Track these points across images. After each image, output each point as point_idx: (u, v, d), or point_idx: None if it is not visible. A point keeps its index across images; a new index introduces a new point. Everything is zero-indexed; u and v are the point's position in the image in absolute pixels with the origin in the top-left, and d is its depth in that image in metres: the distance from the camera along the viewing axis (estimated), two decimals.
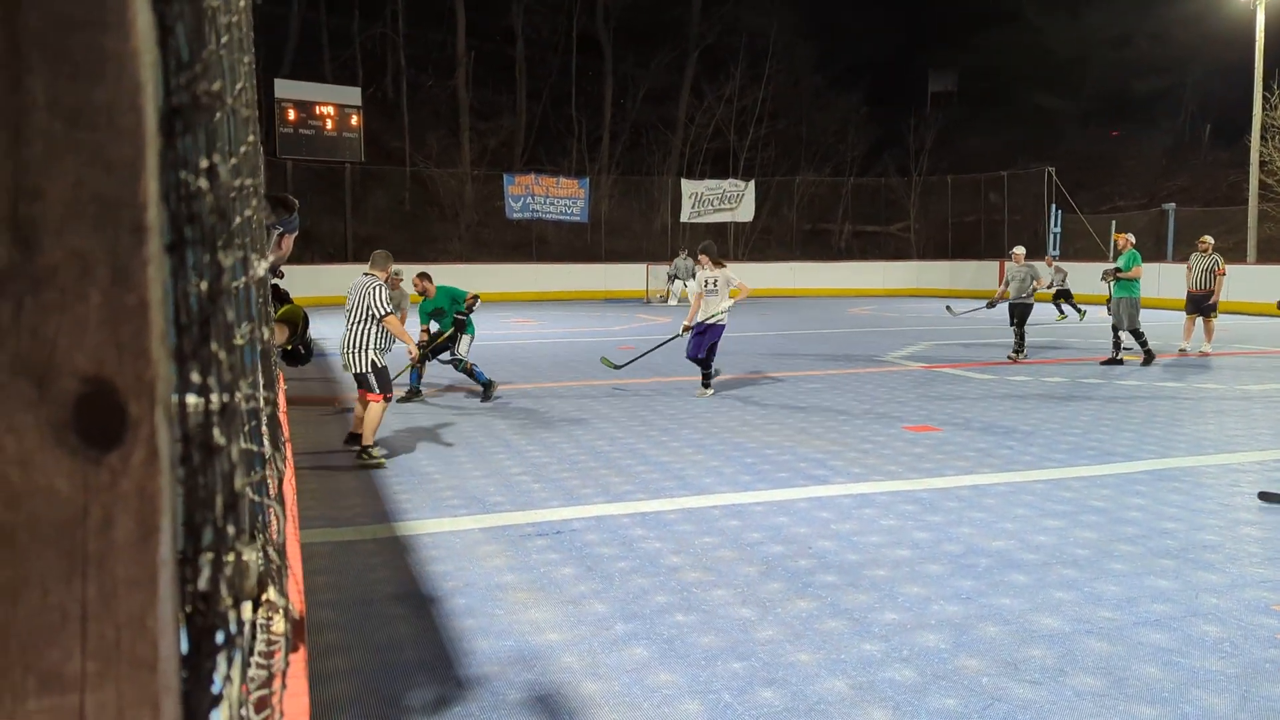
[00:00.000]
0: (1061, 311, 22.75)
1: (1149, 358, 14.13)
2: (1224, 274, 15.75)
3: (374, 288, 8.20)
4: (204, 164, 0.49)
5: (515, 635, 4.44)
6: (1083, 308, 22.22)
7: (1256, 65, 26.26)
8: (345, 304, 8.36)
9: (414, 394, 11.22)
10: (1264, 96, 26.93)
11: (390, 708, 3.79)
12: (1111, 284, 14.27)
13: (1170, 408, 10.46)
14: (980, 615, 4.66)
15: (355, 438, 8.45)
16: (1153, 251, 31.55)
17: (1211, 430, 9.19)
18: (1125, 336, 14.53)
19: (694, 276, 31.07)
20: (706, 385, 11.47)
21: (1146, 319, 22.18)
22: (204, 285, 0.49)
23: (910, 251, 40.61)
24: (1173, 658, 4.18)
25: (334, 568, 5.41)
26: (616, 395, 11.39)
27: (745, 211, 37.41)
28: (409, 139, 37.35)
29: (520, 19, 40.00)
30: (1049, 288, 22.37)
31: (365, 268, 8.57)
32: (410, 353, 9.00)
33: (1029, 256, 16.04)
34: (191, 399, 0.50)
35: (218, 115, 0.49)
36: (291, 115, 29.96)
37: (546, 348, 16.65)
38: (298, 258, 30.16)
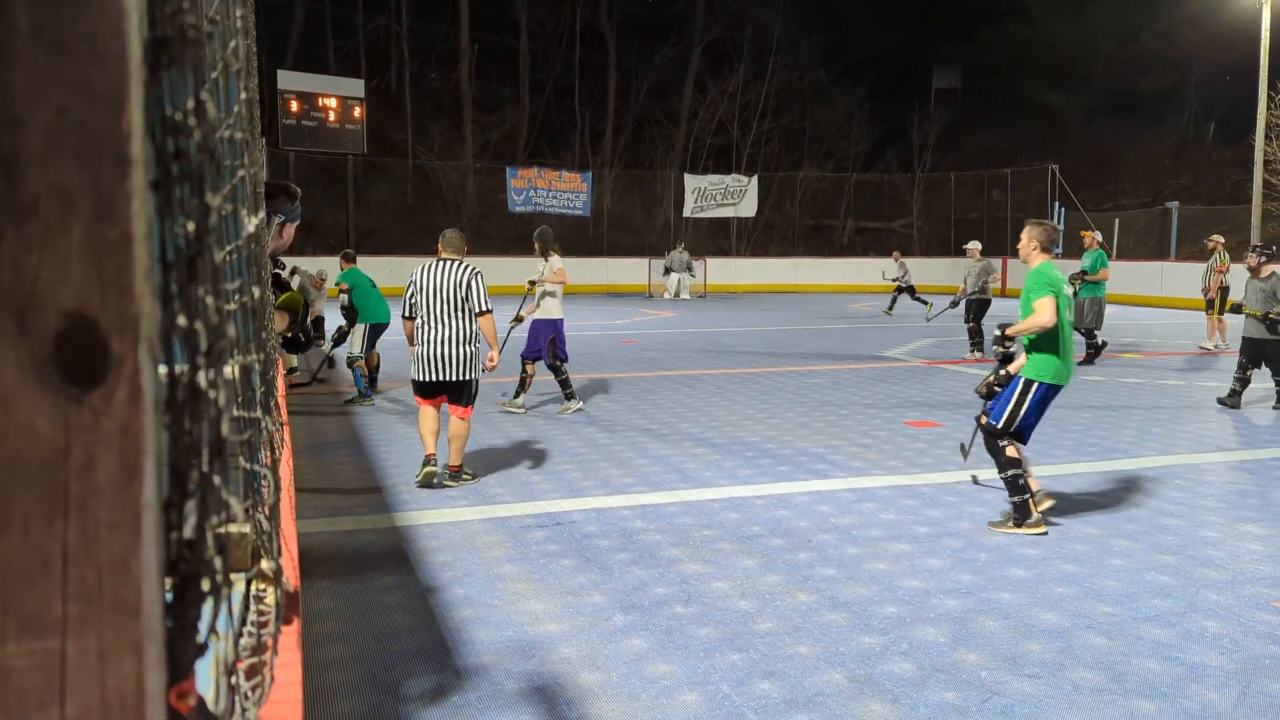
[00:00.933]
0: (924, 301, 22.38)
1: (1092, 357, 13.83)
2: (1222, 271, 16.19)
3: (475, 275, 6.78)
4: (190, 101, 0.48)
5: (514, 625, 4.44)
6: (928, 299, 21.65)
7: (1262, 64, 26.18)
8: (412, 292, 6.77)
9: (362, 397, 10.28)
10: (1269, 95, 26.85)
11: (388, 696, 3.79)
12: (1079, 286, 13.70)
13: (1172, 405, 10.45)
14: (980, 609, 4.65)
15: (426, 460, 6.82)
16: (1155, 250, 31.54)
17: (1213, 428, 9.18)
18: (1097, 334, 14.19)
19: (689, 270, 31.08)
20: (569, 397, 9.73)
21: (1150, 317, 22.19)
22: (190, 225, 0.48)
23: (913, 248, 40.52)
24: (1172, 653, 4.17)
25: (334, 557, 5.41)
26: (618, 388, 11.38)
27: (748, 207, 37.37)
28: (412, 131, 37.32)
29: (524, 12, 39.95)
30: (893, 280, 23.28)
31: (439, 252, 6.94)
32: (491, 360, 6.99)
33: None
34: (177, 341, 0.49)
35: (206, 51, 0.48)
36: (294, 107, 29.92)
37: None
38: (299, 249, 30.15)
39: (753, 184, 37.41)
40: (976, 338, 14.55)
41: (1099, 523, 6.06)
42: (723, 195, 37.24)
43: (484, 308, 6.80)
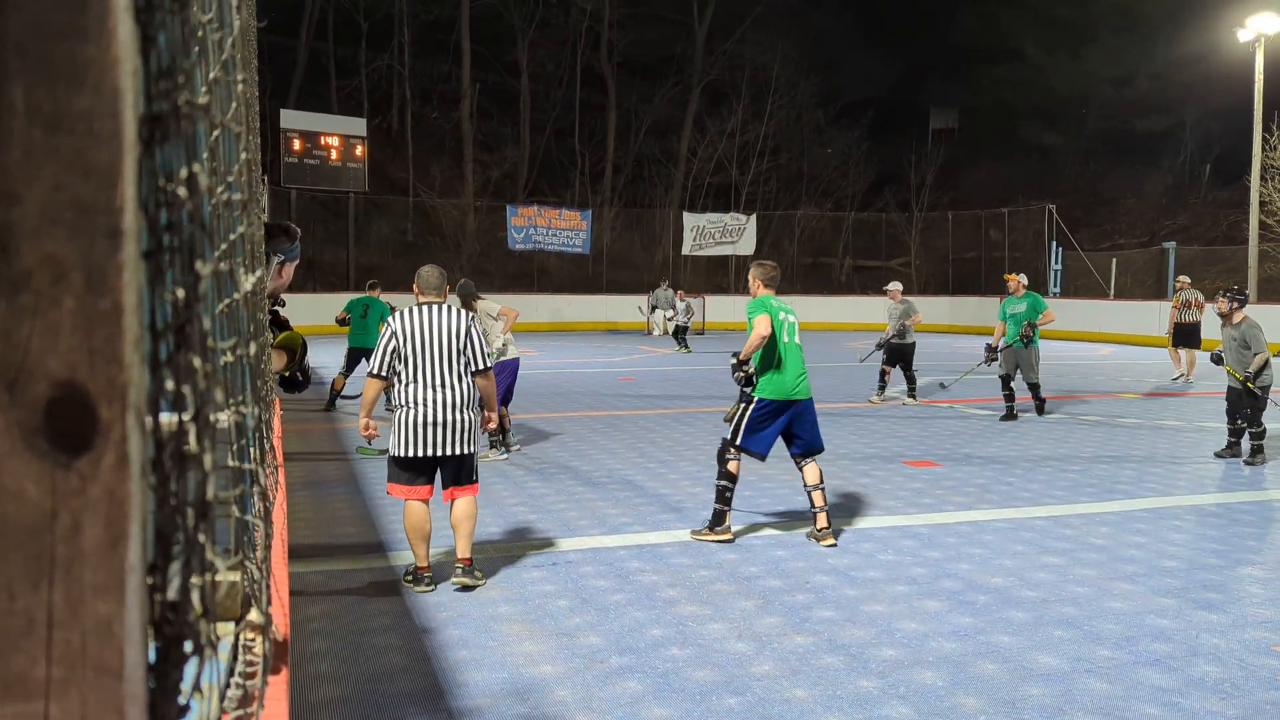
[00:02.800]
0: (683, 345, 23.40)
1: (1041, 407, 12.49)
2: (1179, 308, 17.35)
3: (474, 323, 5.67)
4: (184, 173, 0.49)
5: (509, 667, 4.41)
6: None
7: (1256, 106, 26.44)
8: (393, 345, 5.48)
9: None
10: (1264, 137, 27.08)
11: None
12: (1033, 334, 12.23)
13: (1171, 445, 10.44)
14: (978, 652, 4.62)
15: (419, 574, 5.55)
16: (1153, 290, 31.63)
17: (1212, 469, 9.16)
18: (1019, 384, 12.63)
19: (674, 307, 31.25)
20: (498, 443, 9.28)
21: (1148, 357, 22.22)
22: (180, 293, 0.49)
23: (911, 287, 40.64)
24: (1172, 698, 4.14)
25: (328, 597, 5.38)
26: (615, 426, 11.37)
27: (746, 245, 37.54)
28: (413, 169, 37.58)
29: (525, 53, 40.38)
30: (671, 320, 23.82)
31: (416, 295, 5.75)
32: (490, 421, 5.87)
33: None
34: (165, 406, 0.49)
35: (200, 125, 0.49)
36: (297, 145, 30.17)
37: (546, 378, 16.64)
38: (300, 286, 30.27)
39: (751, 222, 37.62)
40: (884, 380, 14.13)
41: (1098, 564, 6.04)
42: (721, 233, 37.44)
43: (485, 364, 5.61)
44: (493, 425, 5.95)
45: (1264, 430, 9.40)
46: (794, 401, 6.53)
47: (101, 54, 0.44)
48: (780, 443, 6.73)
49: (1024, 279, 12.95)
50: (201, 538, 0.50)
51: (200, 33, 0.53)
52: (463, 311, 5.65)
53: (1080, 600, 5.38)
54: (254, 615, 0.85)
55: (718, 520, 6.50)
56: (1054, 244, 33.75)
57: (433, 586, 5.47)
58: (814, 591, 5.50)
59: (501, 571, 5.82)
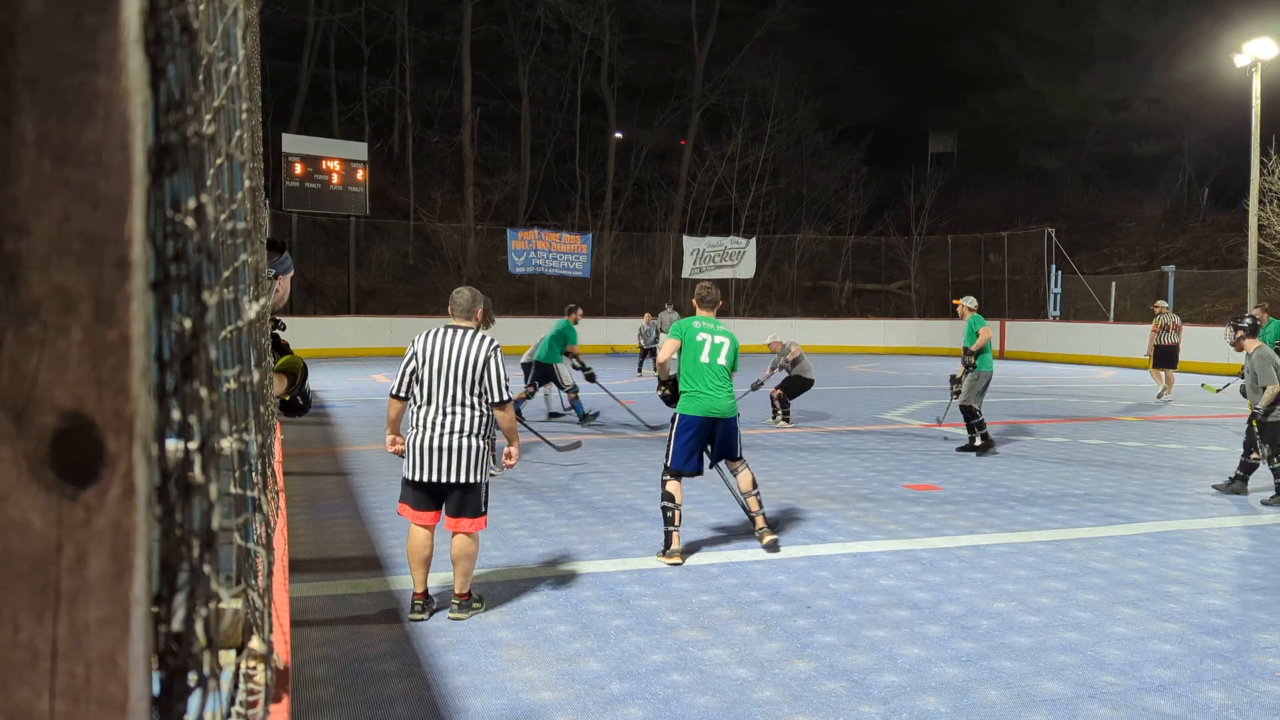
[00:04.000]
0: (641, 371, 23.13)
1: (984, 442, 11.34)
2: (1157, 330, 18.44)
3: (494, 351, 5.43)
4: (192, 203, 0.49)
5: (508, 693, 4.38)
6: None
7: (1253, 130, 26.56)
8: (412, 366, 5.44)
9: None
10: (1261, 161, 27.19)
11: None
12: (972, 362, 11.60)
13: (1173, 469, 10.42)
14: (981, 678, 4.60)
15: (424, 599, 5.46)
16: (1151, 313, 31.63)
17: (1214, 493, 9.14)
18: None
19: (639, 331, 31.28)
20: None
21: (1149, 380, 22.21)
22: (187, 323, 0.49)
23: (910, 310, 40.75)
24: None
25: (327, 621, 5.36)
26: (614, 449, 11.35)
27: (746, 268, 37.64)
28: (414, 193, 37.73)
29: (526, 78, 40.63)
30: (646, 343, 23.31)
31: (454, 319, 5.55)
32: (510, 457, 5.70)
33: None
34: (171, 437, 0.49)
35: (209, 156, 0.50)
36: (298, 169, 30.28)
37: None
38: (300, 308, 30.33)
39: (751, 246, 37.72)
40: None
41: (1101, 589, 6.02)
42: (721, 256, 37.53)
43: (503, 396, 5.39)
44: (513, 463, 5.71)
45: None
46: (713, 419, 6.76)
47: (112, 86, 0.45)
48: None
49: (971, 302, 11.93)
50: (206, 568, 0.50)
51: (206, 62, 0.53)
52: (486, 339, 5.41)
53: (1083, 625, 5.36)
54: (256, 644, 0.84)
55: (666, 542, 6.66)
56: (1053, 267, 33.82)
57: (425, 615, 5.38)
58: (815, 616, 5.47)
59: (501, 596, 5.79)
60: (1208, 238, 37.60)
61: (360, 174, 31.31)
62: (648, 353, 23.54)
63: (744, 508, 6.98)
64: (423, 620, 5.33)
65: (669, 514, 6.66)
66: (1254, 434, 8.93)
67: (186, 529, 0.49)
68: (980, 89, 49.17)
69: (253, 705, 0.85)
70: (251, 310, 0.52)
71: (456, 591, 5.45)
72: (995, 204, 43.49)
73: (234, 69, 0.55)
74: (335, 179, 30.80)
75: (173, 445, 0.49)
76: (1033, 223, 38.38)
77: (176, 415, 0.49)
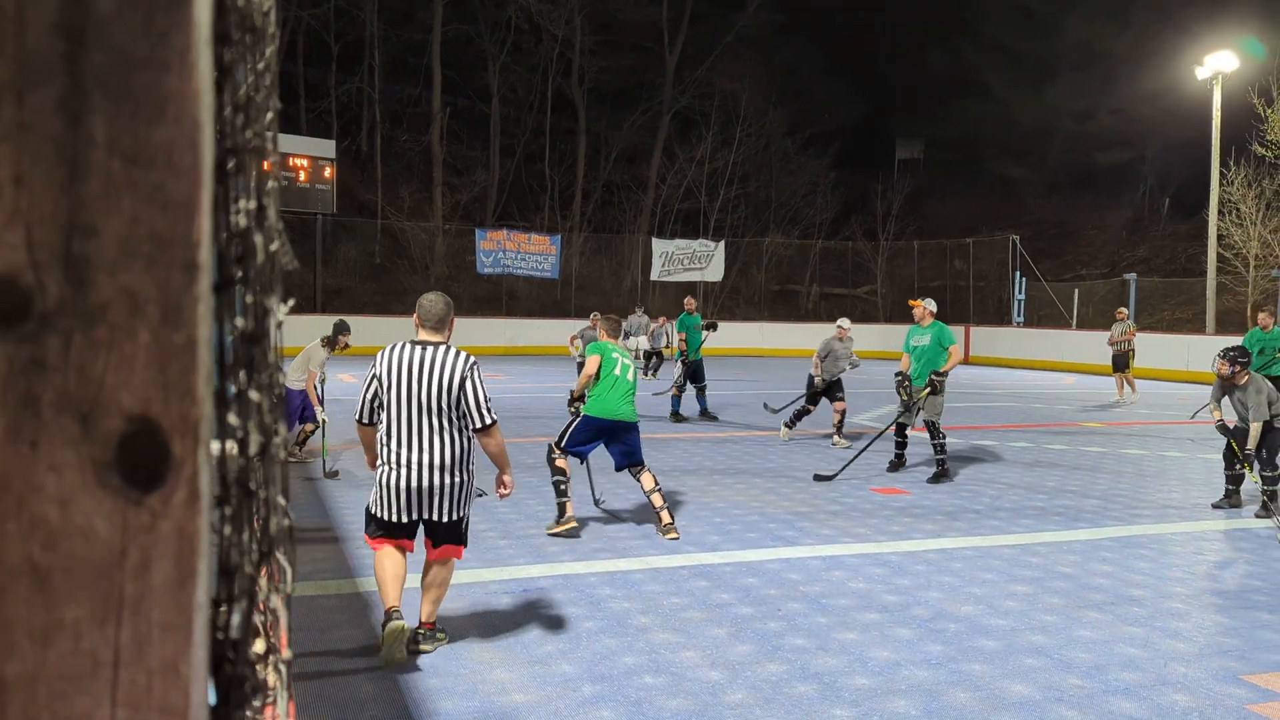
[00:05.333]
0: (649, 373, 22.73)
1: (942, 470, 10.03)
2: (1132, 335, 19.20)
3: (472, 369, 4.78)
4: (253, 204, 0.48)
5: (480, 695, 4.36)
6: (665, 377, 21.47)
7: (1214, 142, 27.02)
8: (374, 389, 4.79)
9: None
10: (1221, 173, 27.66)
11: None
12: (940, 385, 10.23)
13: (1135, 474, 10.56)
14: (950, 681, 4.64)
15: (389, 617, 4.80)
16: (1114, 320, 32.09)
17: (1177, 498, 9.28)
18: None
19: (649, 333, 31.15)
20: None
21: (1110, 386, 22.53)
22: (249, 326, 0.48)
23: (877, 314, 41.05)
24: None
25: (295, 624, 5.30)
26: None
27: (715, 271, 37.72)
28: (381, 192, 37.50)
29: (496, 78, 40.51)
30: (659, 345, 23.23)
31: (423, 331, 4.89)
32: (506, 487, 5.06)
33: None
34: (231, 441, 0.49)
35: (269, 157, 0.49)
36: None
37: (515, 402, 16.58)
38: None
39: (719, 249, 37.81)
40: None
41: (1066, 593, 6.09)
42: (690, 259, 37.58)
43: (487, 419, 4.74)
44: (507, 492, 5.03)
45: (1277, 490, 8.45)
46: (616, 421, 7.48)
47: (182, 86, 0.44)
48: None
49: (931, 305, 10.72)
50: (264, 576, 0.49)
51: (268, 62, 0.53)
52: (462, 356, 4.72)
53: (1050, 629, 5.42)
54: (262, 645, 0.83)
55: (560, 512, 7.34)
56: (1018, 274, 34.19)
57: (402, 623, 4.75)
58: (785, 619, 5.49)
59: (472, 599, 5.77)
60: (1168, 247, 38.23)
61: (328, 172, 31.05)
62: (655, 355, 23.28)
63: (650, 503, 7.50)
64: (405, 633, 4.73)
65: (561, 487, 7.37)
66: (1234, 450, 8.71)
67: (247, 534, 0.49)
68: (947, 97, 49.72)
69: (261, 710, 0.84)
70: (282, 312, 0.51)
71: (424, 620, 4.90)
72: (961, 210, 43.97)
73: (273, 64, 0.54)
74: (302, 176, 30.52)
75: (231, 451, 0.49)
76: (998, 230, 38.81)
77: (235, 420, 0.48)
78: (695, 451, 11.60)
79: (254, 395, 0.48)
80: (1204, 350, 24.28)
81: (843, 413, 12.87)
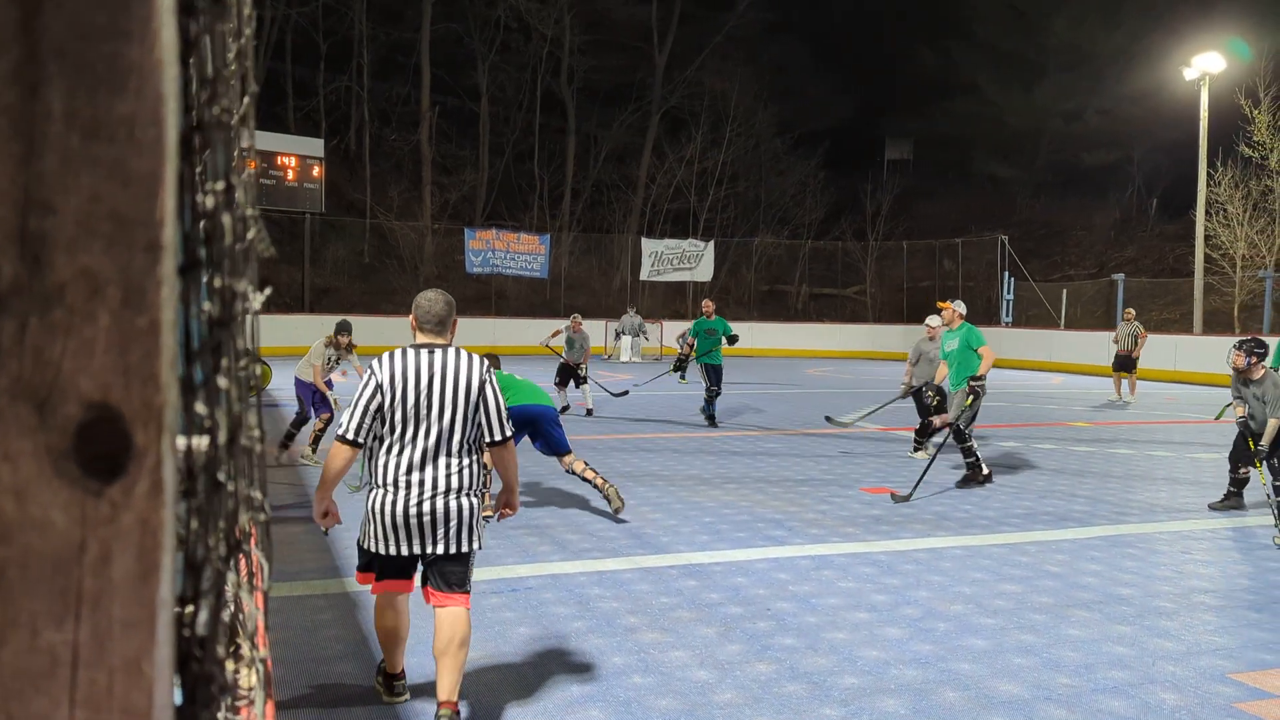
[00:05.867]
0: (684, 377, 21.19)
1: (977, 474, 9.79)
2: (1145, 338, 19.36)
3: (487, 370, 4.14)
4: (220, 184, 0.47)
5: (468, 696, 4.34)
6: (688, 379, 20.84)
7: (1201, 142, 27.13)
8: (378, 401, 3.97)
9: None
10: (1208, 173, 27.78)
11: None
12: (980, 393, 9.72)
13: (1123, 474, 10.59)
14: (940, 680, 4.63)
15: (392, 681, 4.35)
16: (1103, 320, 32.25)
17: (1164, 497, 9.30)
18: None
19: (642, 333, 30.91)
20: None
21: (1099, 386, 22.61)
22: (216, 311, 0.47)
23: (866, 315, 41.12)
24: None
25: (281, 624, 5.27)
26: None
27: (704, 271, 37.72)
28: (370, 191, 37.39)
29: (485, 77, 40.43)
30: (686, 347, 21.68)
31: (415, 333, 4.17)
32: (511, 507, 4.37)
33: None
34: (198, 431, 0.47)
35: (237, 135, 0.47)
36: (252, 164, 29.83)
37: None
38: None
39: (709, 249, 37.82)
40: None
41: (1055, 592, 6.09)
42: (679, 259, 37.58)
43: (507, 430, 4.15)
44: (512, 513, 4.38)
45: None
46: (535, 406, 7.87)
47: (145, 57, 0.42)
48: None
49: (961, 307, 10.29)
50: (232, 571, 0.48)
51: (236, 35, 0.51)
52: (476, 359, 4.11)
53: (1039, 627, 5.42)
54: (244, 648, 0.81)
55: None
56: (1006, 274, 34.30)
57: (407, 696, 4.31)
58: (775, 619, 5.48)
59: None
60: (1156, 247, 38.37)
61: (316, 170, 30.95)
62: (686, 360, 21.92)
63: (589, 483, 7.96)
64: (403, 701, 4.28)
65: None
66: (1245, 450, 8.50)
67: (213, 528, 0.47)
68: (937, 97, 49.82)
69: (237, 711, 0.82)
70: (258, 300, 0.49)
71: (445, 699, 3.92)
72: (950, 211, 44.08)
73: (248, 44, 0.52)
74: (290, 175, 30.41)
75: (197, 442, 0.47)
76: (987, 230, 38.91)
77: (202, 409, 0.46)
78: (684, 451, 11.59)
79: (222, 382, 0.46)
80: (1191, 350, 24.40)
81: (945, 426, 10.80)
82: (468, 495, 4.04)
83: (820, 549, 7.07)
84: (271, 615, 5.37)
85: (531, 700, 4.30)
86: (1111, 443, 13.22)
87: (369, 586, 4.22)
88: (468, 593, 4.12)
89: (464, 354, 4.10)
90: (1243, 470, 8.61)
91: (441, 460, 3.98)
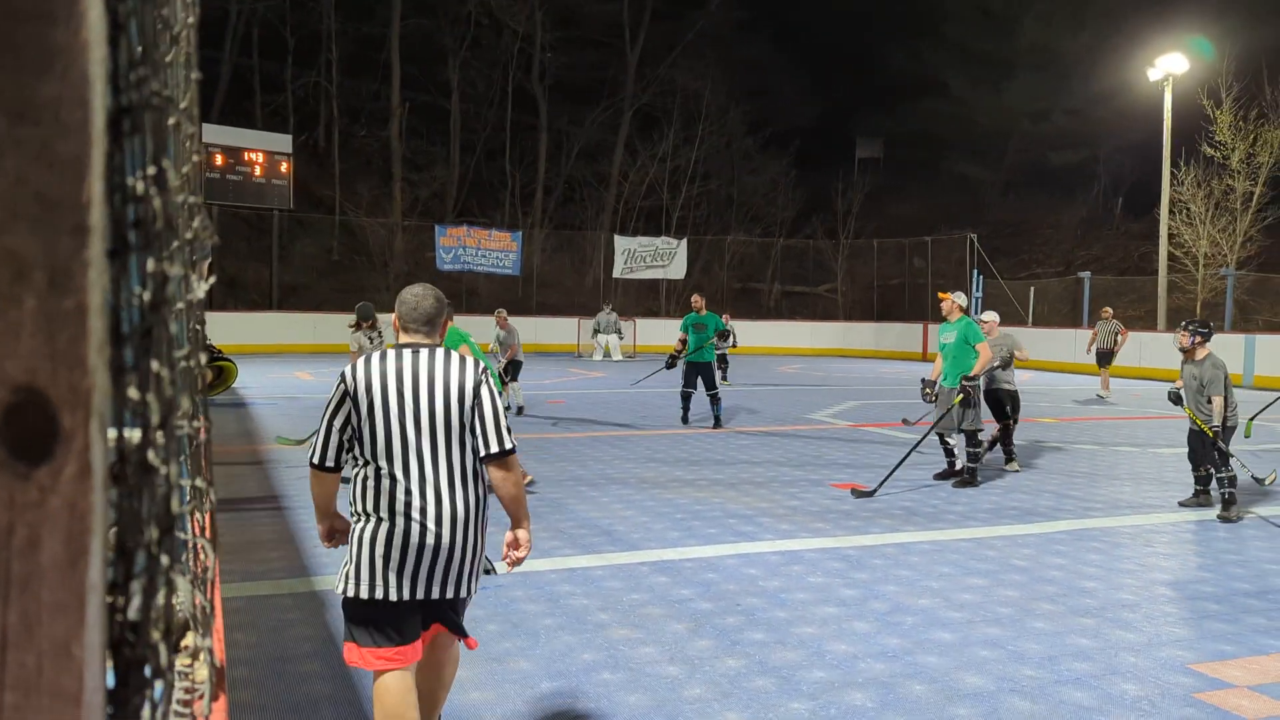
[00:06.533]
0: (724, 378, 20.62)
1: (973, 478, 9.56)
2: (1126, 335, 19.79)
3: (485, 377, 3.42)
4: (152, 169, 0.46)
5: None
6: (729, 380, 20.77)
7: (1165, 142, 27.47)
8: (345, 413, 3.33)
9: None
10: (1172, 173, 28.13)
11: None
12: (975, 394, 9.56)
13: (1088, 469, 10.71)
14: (907, 673, 4.67)
15: None
16: (1069, 317, 32.58)
17: (1127, 492, 9.42)
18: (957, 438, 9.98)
19: (618, 331, 30.88)
20: None
21: (1065, 382, 22.84)
22: (147, 295, 0.46)
23: (837, 312, 41.33)
24: (1093, 716, 4.22)
25: (249, 623, 5.24)
26: (543, 449, 11.30)
27: (677, 269, 37.76)
28: (339, 187, 37.13)
29: (456, 73, 40.25)
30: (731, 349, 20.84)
31: (399, 332, 3.50)
32: (522, 548, 3.53)
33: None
34: (128, 415, 0.47)
35: (169, 120, 0.47)
36: (219, 160, 29.54)
37: None
38: (220, 303, 29.65)
39: (682, 246, 37.85)
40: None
41: (1020, 585, 6.16)
42: (652, 257, 37.58)
43: (507, 442, 3.38)
44: (523, 554, 3.52)
45: (1233, 477, 8.26)
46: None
47: (71, 39, 0.42)
48: None
49: (961, 299, 9.89)
50: (164, 556, 0.47)
51: (167, 18, 0.51)
52: (469, 361, 3.40)
53: (1004, 621, 5.47)
54: (193, 639, 0.81)
55: None
56: (975, 272, 34.56)
57: None
58: (744, 614, 5.50)
59: None
60: (1121, 245, 38.85)
61: (284, 166, 30.67)
62: (677, 357, 20.80)
63: None
64: None
65: None
66: (1200, 446, 8.47)
67: (145, 512, 0.47)
68: (907, 96, 50.14)
69: (188, 704, 0.81)
70: (200, 289, 0.49)
71: None
72: (920, 209, 44.39)
73: (187, 30, 0.52)
74: (258, 171, 30.12)
75: (128, 416, 0.47)
76: (956, 228, 39.19)
77: (134, 393, 0.46)
78: (656, 447, 11.60)
79: (154, 366, 0.46)
80: (1155, 347, 24.69)
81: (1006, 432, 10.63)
82: (472, 525, 3.35)
83: (790, 544, 7.11)
84: (238, 614, 5.33)
85: (501, 698, 4.29)
86: (1077, 438, 13.36)
87: (370, 667, 3.30)
88: (467, 635, 3.49)
89: (453, 354, 3.40)
90: (1205, 468, 8.61)
91: (436, 479, 3.27)
